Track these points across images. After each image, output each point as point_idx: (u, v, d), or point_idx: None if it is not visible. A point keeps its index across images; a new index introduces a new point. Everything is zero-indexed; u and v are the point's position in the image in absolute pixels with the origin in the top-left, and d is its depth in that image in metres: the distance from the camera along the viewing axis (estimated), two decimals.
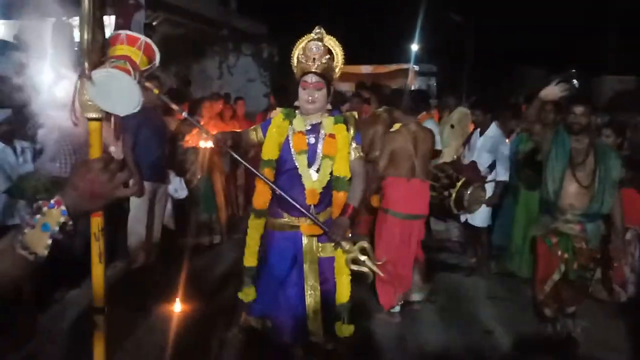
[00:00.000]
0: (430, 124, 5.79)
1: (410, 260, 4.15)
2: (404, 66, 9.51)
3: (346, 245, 2.67)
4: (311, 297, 2.98)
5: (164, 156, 4.75)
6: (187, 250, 5.28)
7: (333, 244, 2.85)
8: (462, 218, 5.33)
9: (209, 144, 5.49)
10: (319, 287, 2.98)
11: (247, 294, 3.10)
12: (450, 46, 16.81)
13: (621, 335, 3.85)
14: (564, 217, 3.43)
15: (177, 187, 5.16)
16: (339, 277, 2.96)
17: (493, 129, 5.12)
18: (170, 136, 5.16)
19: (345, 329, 2.99)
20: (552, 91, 3.43)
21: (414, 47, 17.15)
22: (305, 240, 2.96)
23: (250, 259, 3.11)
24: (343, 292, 2.97)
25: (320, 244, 2.97)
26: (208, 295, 4.29)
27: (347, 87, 8.98)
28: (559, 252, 3.44)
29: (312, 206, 2.87)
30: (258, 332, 3.23)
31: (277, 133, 2.94)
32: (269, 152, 2.93)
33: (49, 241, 0.99)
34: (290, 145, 2.91)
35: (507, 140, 5.23)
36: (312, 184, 2.87)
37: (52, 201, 1.01)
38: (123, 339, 3.45)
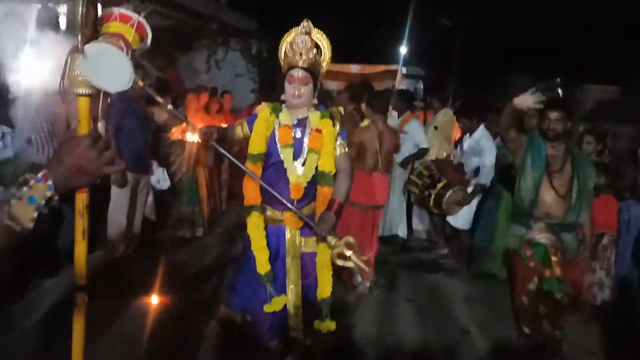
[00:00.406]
0: (414, 124, 5.84)
1: (372, 248, 4.48)
2: (392, 67, 9.52)
3: (332, 240, 2.67)
4: (292, 292, 2.97)
5: (147, 147, 4.73)
6: (168, 242, 5.26)
7: (315, 238, 2.84)
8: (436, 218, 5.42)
9: (196, 138, 5.47)
10: (300, 283, 2.98)
11: (278, 302, 2.92)
12: (438, 50, 16.91)
13: (596, 339, 3.91)
14: (539, 226, 3.29)
15: (159, 177, 5.13)
16: (321, 272, 2.95)
17: (480, 130, 5.17)
18: (155, 127, 5.13)
19: (326, 325, 2.99)
20: (525, 100, 3.17)
21: (403, 49, 17.21)
22: (288, 235, 2.95)
23: (263, 265, 2.92)
24: (325, 288, 2.96)
25: (303, 239, 2.97)
26: (187, 287, 4.26)
27: (335, 86, 8.99)
28: (532, 264, 3.28)
29: (296, 201, 2.86)
30: (237, 325, 3.22)
31: (263, 127, 2.91)
32: (256, 146, 2.89)
33: (35, 214, 1.00)
34: (276, 138, 2.90)
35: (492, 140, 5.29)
36: (297, 178, 2.86)
37: (39, 175, 1.02)
38: (100, 329, 3.41)
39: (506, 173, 4.87)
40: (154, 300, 3.88)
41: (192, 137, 5.47)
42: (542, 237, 3.28)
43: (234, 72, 10.96)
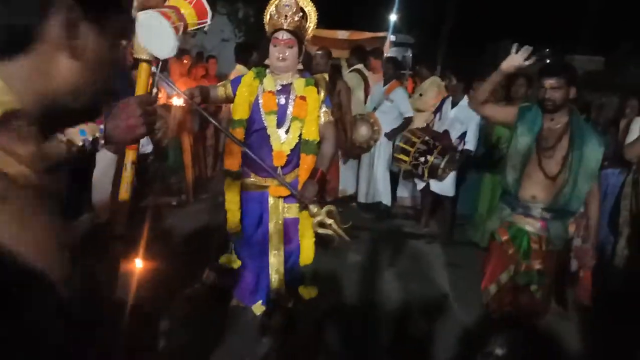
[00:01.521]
0: (400, 92, 5.84)
1: None
2: (380, 34, 9.44)
3: (314, 208, 2.71)
4: (275, 257, 3.03)
5: None
6: (152, 208, 5.26)
7: (298, 205, 2.88)
8: (420, 185, 5.45)
9: (180, 102, 5.42)
10: (282, 247, 3.03)
11: (232, 260, 3.12)
12: (428, 18, 16.77)
13: (571, 305, 4.02)
14: (524, 210, 2.86)
15: (143, 141, 5.09)
16: (303, 239, 3.01)
17: (464, 101, 5.18)
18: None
19: (308, 291, 3.06)
20: (514, 60, 2.73)
21: (392, 16, 17.04)
22: (271, 201, 2.99)
23: (232, 224, 3.07)
24: (307, 254, 3.03)
25: (286, 205, 3.00)
26: (171, 252, 4.29)
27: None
28: (510, 251, 2.88)
29: (280, 168, 2.88)
30: (220, 288, 3.28)
31: (247, 92, 2.92)
32: (240, 111, 2.91)
33: (80, 142, 1.20)
34: (260, 105, 2.90)
35: None
36: (280, 146, 2.88)
37: (95, 121, 1.22)
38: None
39: (490, 146, 4.94)
40: (137, 264, 3.92)
41: (178, 102, 5.42)
42: (525, 222, 2.86)
43: (221, 36, 10.82)
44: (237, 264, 3.13)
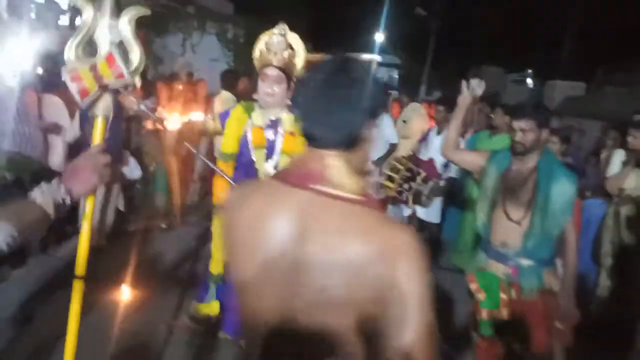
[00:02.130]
0: (385, 119, 5.92)
1: None
2: (368, 59, 9.59)
3: None
4: None
5: (121, 137, 4.70)
6: (138, 234, 5.25)
7: None
8: (407, 211, 5.51)
9: (173, 127, 5.44)
10: None
11: (212, 309, 3.06)
12: (414, 40, 17.01)
13: None
14: (496, 255, 2.68)
15: (132, 167, 5.10)
16: None
17: None
18: (126, 117, 5.09)
19: None
20: (465, 98, 2.81)
21: (378, 37, 17.29)
22: None
23: (217, 265, 3.04)
24: None
25: None
26: (158, 280, 4.28)
27: None
28: (481, 297, 2.70)
29: None
30: (208, 321, 3.27)
31: (236, 126, 2.94)
32: (228, 145, 2.94)
33: (54, 206, 1.22)
34: (249, 139, 2.94)
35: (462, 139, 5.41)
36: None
37: (53, 182, 1.25)
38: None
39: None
40: (124, 293, 3.90)
41: (170, 127, 5.44)
42: (496, 268, 2.67)
43: (210, 56, 10.83)
44: (216, 312, 3.09)
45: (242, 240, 1.13)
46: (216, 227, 3.00)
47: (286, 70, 2.84)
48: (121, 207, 5.14)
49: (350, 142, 1.11)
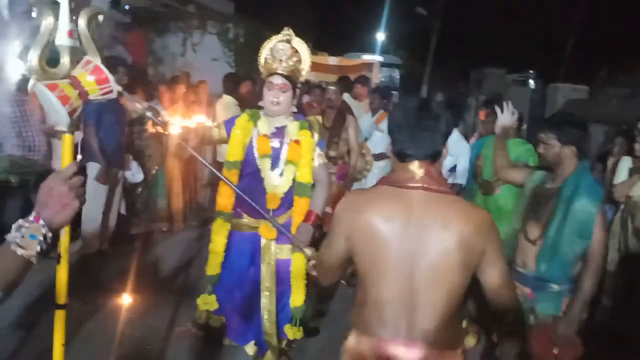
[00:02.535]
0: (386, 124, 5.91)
1: None
2: (369, 60, 9.58)
3: (308, 252, 2.70)
4: (266, 298, 3.01)
5: (123, 141, 4.67)
6: (140, 237, 5.23)
7: (290, 246, 2.88)
8: None
9: (175, 130, 5.41)
10: (275, 289, 3.02)
11: (207, 303, 3.03)
12: (415, 40, 16.99)
13: None
14: (518, 277, 2.52)
15: (133, 170, 5.07)
16: (295, 280, 2.98)
17: (455, 133, 5.22)
18: (128, 120, 5.06)
19: (295, 332, 3.02)
20: (503, 121, 2.89)
21: (380, 36, 17.26)
22: (263, 242, 2.98)
23: (213, 267, 3.02)
24: (298, 296, 2.99)
25: (278, 246, 2.99)
26: (160, 283, 4.26)
27: (312, 77, 8.98)
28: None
29: (272, 210, 2.89)
30: (212, 328, 3.25)
31: (241, 134, 2.91)
32: (234, 153, 2.90)
33: (38, 247, 1.13)
34: (255, 148, 2.91)
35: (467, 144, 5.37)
36: (273, 189, 2.88)
37: (30, 218, 1.14)
38: (74, 329, 3.40)
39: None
40: (127, 299, 3.87)
41: (173, 130, 5.41)
42: (519, 290, 2.47)
43: (211, 56, 10.80)
44: (214, 305, 3.05)
45: (376, 231, 1.57)
46: (215, 231, 2.98)
47: (292, 77, 2.81)
48: (123, 211, 5.11)
49: (436, 156, 1.64)
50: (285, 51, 2.77)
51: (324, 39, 14.28)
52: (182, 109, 5.74)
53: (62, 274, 1.49)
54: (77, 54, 1.38)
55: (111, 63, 4.51)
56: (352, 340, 1.68)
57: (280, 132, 2.91)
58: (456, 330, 1.71)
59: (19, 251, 1.10)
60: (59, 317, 1.50)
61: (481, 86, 11.10)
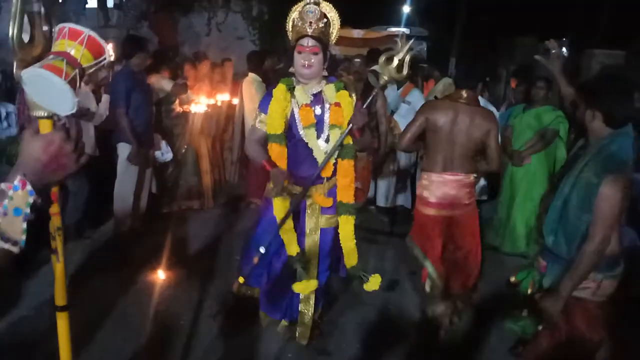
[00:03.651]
0: (416, 94, 5.81)
1: None
2: (395, 32, 9.40)
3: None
4: (312, 267, 2.99)
5: (152, 120, 4.73)
6: (171, 215, 5.31)
7: (334, 215, 2.93)
8: None
9: (200, 109, 5.45)
10: (317, 261, 2.99)
11: (307, 286, 2.92)
12: (443, 11, 16.56)
13: None
14: (539, 247, 2.51)
15: (163, 150, 5.13)
16: (345, 243, 2.93)
17: (482, 101, 5.10)
18: (156, 100, 5.11)
19: (372, 283, 2.90)
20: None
21: (406, 9, 16.89)
22: (308, 210, 2.97)
23: (292, 248, 2.95)
24: (351, 256, 2.94)
25: (323, 216, 2.99)
26: (192, 261, 4.33)
27: (336, 51, 8.89)
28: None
29: (325, 178, 2.88)
30: (250, 300, 3.28)
31: (281, 107, 2.84)
32: (275, 126, 2.83)
33: (24, 225, 0.97)
34: (297, 119, 2.85)
35: (497, 111, 5.25)
36: (324, 156, 2.82)
37: (15, 182, 0.96)
38: (109, 307, 3.49)
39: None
40: (161, 275, 3.96)
41: (197, 108, 5.45)
42: (537, 261, 2.48)
43: (235, 34, 10.79)
44: (314, 285, 2.96)
45: (439, 120, 3.29)
46: (278, 211, 2.90)
47: (322, 40, 2.74)
48: (154, 190, 5.19)
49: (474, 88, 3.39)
50: (315, 14, 2.70)
51: (350, 13, 14.02)
52: (207, 87, 5.76)
53: (60, 273, 1.36)
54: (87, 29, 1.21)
55: (134, 42, 4.57)
56: (423, 178, 3.48)
57: (318, 98, 2.86)
58: (472, 167, 3.38)
59: (1, 244, 0.94)
60: (61, 319, 1.39)
61: (512, 55, 10.77)
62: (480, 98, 5.04)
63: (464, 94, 3.29)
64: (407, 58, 2.71)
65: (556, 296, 2.24)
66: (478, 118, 3.27)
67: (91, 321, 3.25)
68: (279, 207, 2.90)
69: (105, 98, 4.47)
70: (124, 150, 4.39)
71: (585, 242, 2.18)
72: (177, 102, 5.37)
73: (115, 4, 10.81)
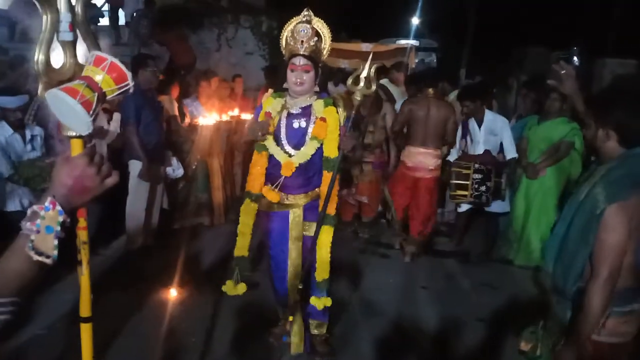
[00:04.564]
0: None
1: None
2: (404, 44, 9.41)
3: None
4: (291, 273, 3.07)
5: (163, 137, 4.76)
6: (183, 232, 5.32)
7: (313, 224, 2.99)
8: (463, 207, 5.27)
9: (208, 122, 5.49)
10: (299, 263, 3.06)
11: (234, 290, 3.08)
12: (452, 22, 16.59)
13: None
14: None
15: (174, 166, 5.16)
16: (320, 252, 3.02)
17: (489, 115, 5.06)
18: (167, 117, 5.15)
19: (322, 302, 3.07)
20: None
21: (415, 21, 16.94)
22: (291, 217, 3.03)
23: (240, 248, 3.11)
24: (323, 269, 3.04)
25: (306, 223, 3.05)
26: (204, 277, 4.32)
27: (345, 64, 8.91)
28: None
29: (284, 177, 2.95)
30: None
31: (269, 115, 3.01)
32: None
33: (56, 242, 1.04)
34: (282, 128, 3.00)
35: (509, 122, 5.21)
36: (286, 158, 2.95)
37: (46, 203, 1.04)
38: (121, 323, 3.50)
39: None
40: (172, 292, 3.96)
41: (205, 122, 5.49)
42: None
43: (245, 50, 10.89)
44: (242, 289, 3.10)
45: (416, 112, 4.95)
46: (243, 212, 3.08)
47: (314, 57, 2.86)
48: (165, 206, 5.21)
49: (437, 86, 5.27)
50: (306, 32, 2.81)
51: (359, 27, 14.13)
52: (218, 104, 5.80)
53: (85, 285, 1.40)
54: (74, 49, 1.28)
55: (138, 59, 4.62)
56: (405, 149, 5.09)
57: (306, 112, 2.98)
58: (439, 143, 4.97)
59: (35, 257, 1.02)
60: (85, 331, 1.42)
61: (523, 66, 10.71)
62: (487, 111, 5.04)
63: (431, 91, 4.96)
64: (372, 73, 2.81)
65: (571, 346, 1.98)
66: (442, 109, 4.94)
67: (103, 337, 3.25)
68: (245, 210, 3.07)
69: (116, 116, 4.53)
70: (135, 167, 4.43)
71: (591, 279, 1.91)
72: (187, 116, 5.42)
73: (126, 22, 10.97)
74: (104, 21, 10.65)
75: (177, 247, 4.61)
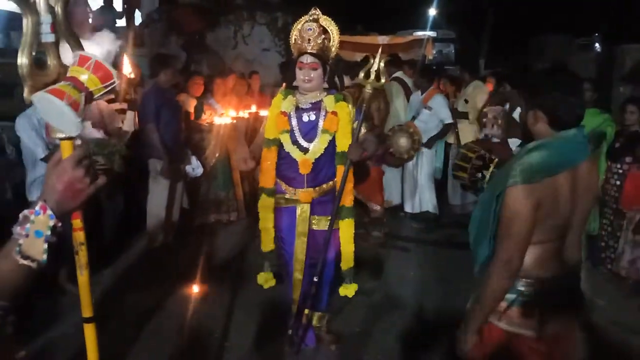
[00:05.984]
0: (438, 99, 5.78)
1: None
2: (421, 36, 9.32)
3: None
4: (297, 271, 3.11)
5: (182, 136, 4.80)
6: (203, 229, 5.37)
7: (327, 217, 3.02)
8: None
9: (225, 120, 5.52)
10: (303, 259, 3.09)
11: (266, 280, 3.19)
12: (470, 12, 16.39)
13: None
14: None
15: (194, 165, 5.20)
16: (345, 245, 3.09)
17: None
18: (185, 115, 5.19)
19: (351, 289, 3.15)
20: None
21: (432, 12, 16.78)
22: (298, 211, 3.06)
23: (266, 243, 3.18)
24: (348, 259, 3.11)
25: (315, 217, 3.07)
26: (225, 274, 4.36)
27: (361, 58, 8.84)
28: None
29: (305, 175, 2.97)
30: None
31: (276, 112, 3.03)
32: (270, 131, 3.02)
33: (45, 246, 1.04)
34: (294, 124, 3.01)
35: None
36: (302, 156, 2.97)
37: (36, 208, 1.04)
38: (143, 321, 3.54)
39: None
40: (195, 288, 4.00)
41: (221, 120, 5.51)
42: None
43: (261, 46, 10.90)
44: (271, 283, 3.21)
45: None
46: (261, 208, 3.12)
47: (321, 55, 2.88)
48: (186, 205, 5.26)
49: None
50: (313, 31, 2.84)
51: (375, 19, 14.02)
52: (235, 101, 5.82)
53: (84, 285, 1.38)
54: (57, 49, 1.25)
55: (159, 60, 4.66)
56: None
57: (316, 106, 3.00)
58: None
59: (21, 261, 1.01)
60: (89, 331, 1.40)
61: (543, 54, 10.53)
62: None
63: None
64: (381, 66, 2.88)
65: (463, 330, 1.92)
66: None
67: (126, 335, 3.31)
68: (263, 205, 3.10)
69: (129, 115, 4.57)
70: (154, 166, 4.47)
71: (490, 262, 1.83)
72: (203, 117, 5.45)
73: (142, 22, 11.07)
74: (121, 22, 10.77)
75: (197, 244, 4.67)
